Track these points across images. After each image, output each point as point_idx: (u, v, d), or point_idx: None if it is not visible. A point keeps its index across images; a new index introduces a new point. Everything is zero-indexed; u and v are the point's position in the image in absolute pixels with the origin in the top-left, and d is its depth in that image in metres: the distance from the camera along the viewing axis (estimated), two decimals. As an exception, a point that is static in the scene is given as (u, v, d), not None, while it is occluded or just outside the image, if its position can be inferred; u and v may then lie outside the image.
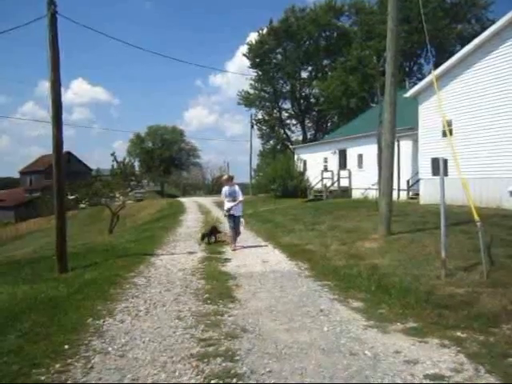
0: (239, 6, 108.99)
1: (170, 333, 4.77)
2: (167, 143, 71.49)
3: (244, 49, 48.66)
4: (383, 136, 9.53)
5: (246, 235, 12.70)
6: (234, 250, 10.37)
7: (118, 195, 24.38)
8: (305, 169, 30.16)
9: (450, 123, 14.73)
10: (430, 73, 18.48)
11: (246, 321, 5.15)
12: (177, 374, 3.74)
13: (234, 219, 10.63)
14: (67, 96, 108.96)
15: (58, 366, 3.91)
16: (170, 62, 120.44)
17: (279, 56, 46.95)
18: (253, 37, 47.50)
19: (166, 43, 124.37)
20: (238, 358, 4.06)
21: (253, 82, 47.95)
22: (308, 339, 4.53)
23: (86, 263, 9.56)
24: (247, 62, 47.73)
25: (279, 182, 28.28)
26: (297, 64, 45.92)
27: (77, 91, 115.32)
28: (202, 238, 11.54)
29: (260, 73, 46.99)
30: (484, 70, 14.04)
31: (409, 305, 5.53)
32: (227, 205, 10.68)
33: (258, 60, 46.10)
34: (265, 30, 45.57)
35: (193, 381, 3.60)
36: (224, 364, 3.91)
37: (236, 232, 10.74)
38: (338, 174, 25.50)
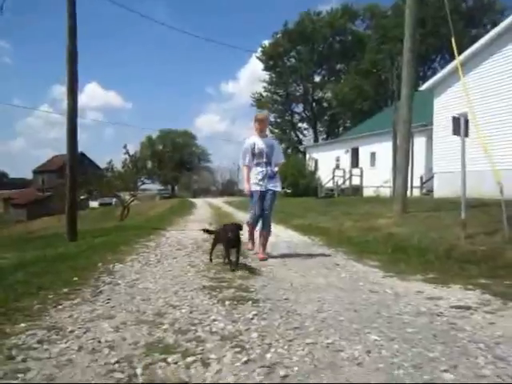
0: (252, 10, 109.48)
1: (181, 274, 4.64)
2: (178, 146, 71.75)
3: (257, 54, 48.27)
4: (400, 111, 9.36)
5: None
6: (257, 254, 5.92)
7: (128, 193, 24.32)
8: (316, 168, 29.97)
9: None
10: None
11: (260, 269, 4.99)
12: (189, 297, 3.59)
13: (263, 198, 5.79)
14: (81, 100, 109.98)
15: (65, 290, 3.78)
16: (184, 68, 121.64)
17: (293, 59, 46.98)
18: (267, 42, 47.71)
19: (178, 49, 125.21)
20: (252, 290, 3.91)
21: (266, 85, 48.06)
22: (325, 282, 4.35)
23: (97, 235, 9.49)
24: (260, 68, 48.02)
25: (290, 180, 28.10)
26: (310, 67, 45.87)
27: (90, 95, 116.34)
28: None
29: (273, 75, 47.06)
30: (503, 60, 13.79)
31: (428, 261, 5.34)
32: (257, 172, 5.80)
33: (271, 62, 46.18)
34: (279, 35, 45.80)
35: (206, 302, 3.44)
36: (238, 293, 3.76)
37: (264, 224, 5.92)
38: (350, 173, 25.26)
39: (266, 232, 5.94)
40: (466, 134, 6.13)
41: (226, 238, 5.00)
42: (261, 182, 5.80)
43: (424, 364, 2.23)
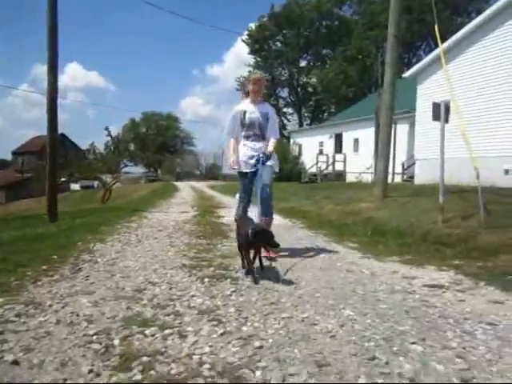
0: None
1: (161, 253, 4.66)
2: (162, 129, 71.05)
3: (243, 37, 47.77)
4: (383, 96, 9.44)
5: (232, 202, 12.42)
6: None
7: (110, 176, 24.04)
8: (300, 153, 30.08)
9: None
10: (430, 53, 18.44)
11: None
12: (168, 275, 3.63)
13: (255, 179, 4.60)
14: (62, 80, 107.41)
15: (44, 267, 3.78)
16: (169, 50, 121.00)
17: (279, 43, 46.69)
18: (253, 25, 47.21)
19: (164, 31, 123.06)
20: (231, 268, 3.96)
21: (251, 69, 47.64)
22: (304, 261, 4.42)
23: (77, 216, 9.42)
24: (245, 51, 47.61)
25: (274, 165, 28.19)
26: (296, 51, 45.69)
27: (72, 75, 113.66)
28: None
29: (259, 59, 46.74)
30: (485, 48, 13.94)
31: (406, 244, 5.44)
32: (246, 147, 4.68)
33: (257, 46, 45.82)
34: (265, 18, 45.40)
35: (185, 279, 3.48)
36: (218, 271, 3.81)
37: (264, 208, 4.54)
38: (334, 158, 25.42)
39: (267, 218, 4.55)
40: (446, 120, 6.23)
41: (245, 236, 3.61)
42: (250, 161, 4.60)
43: (394, 337, 2.32)
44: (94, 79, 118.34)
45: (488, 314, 2.79)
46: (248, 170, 4.65)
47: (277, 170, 4.83)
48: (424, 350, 2.15)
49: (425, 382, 1.82)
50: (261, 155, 4.56)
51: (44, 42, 8.96)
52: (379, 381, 1.82)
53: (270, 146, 4.65)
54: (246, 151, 4.68)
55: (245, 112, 4.67)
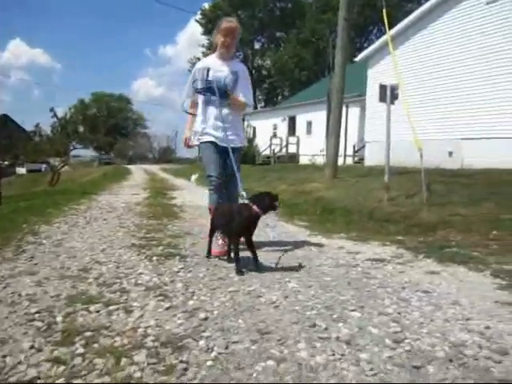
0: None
1: (110, 234, 4.59)
2: (113, 111, 68.94)
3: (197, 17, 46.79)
4: (334, 79, 9.60)
5: (184, 184, 12.34)
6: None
7: (59, 159, 23.15)
8: (254, 135, 30.12)
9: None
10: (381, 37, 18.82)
11: (191, 229, 5.07)
12: (116, 255, 3.58)
13: (223, 156, 3.81)
14: (3, 57, 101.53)
15: (-15, 249, 3.63)
16: (121, 29, 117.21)
17: (233, 24, 46.14)
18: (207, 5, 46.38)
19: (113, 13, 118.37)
20: (181, 247, 3.97)
21: (205, 50, 46.96)
22: (253, 239, 4.48)
23: (23, 199, 9.05)
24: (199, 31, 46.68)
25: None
26: (251, 33, 45.36)
27: (14, 53, 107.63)
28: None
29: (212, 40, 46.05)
30: (430, 34, 14.41)
31: (352, 221, 5.65)
32: (207, 114, 3.79)
33: (210, 26, 44.99)
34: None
35: (133, 258, 3.46)
36: (166, 250, 3.80)
37: (232, 196, 3.88)
38: (287, 141, 25.69)
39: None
40: (392, 102, 6.44)
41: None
42: (213, 131, 3.76)
43: (335, 306, 2.42)
44: (39, 57, 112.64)
45: (424, 283, 2.97)
46: (210, 139, 3.78)
47: (244, 142, 4.10)
48: (362, 316, 2.27)
49: (359, 343, 1.93)
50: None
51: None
52: (317, 344, 1.91)
53: (241, 110, 3.92)
54: (205, 119, 3.79)
55: (208, 70, 3.75)
